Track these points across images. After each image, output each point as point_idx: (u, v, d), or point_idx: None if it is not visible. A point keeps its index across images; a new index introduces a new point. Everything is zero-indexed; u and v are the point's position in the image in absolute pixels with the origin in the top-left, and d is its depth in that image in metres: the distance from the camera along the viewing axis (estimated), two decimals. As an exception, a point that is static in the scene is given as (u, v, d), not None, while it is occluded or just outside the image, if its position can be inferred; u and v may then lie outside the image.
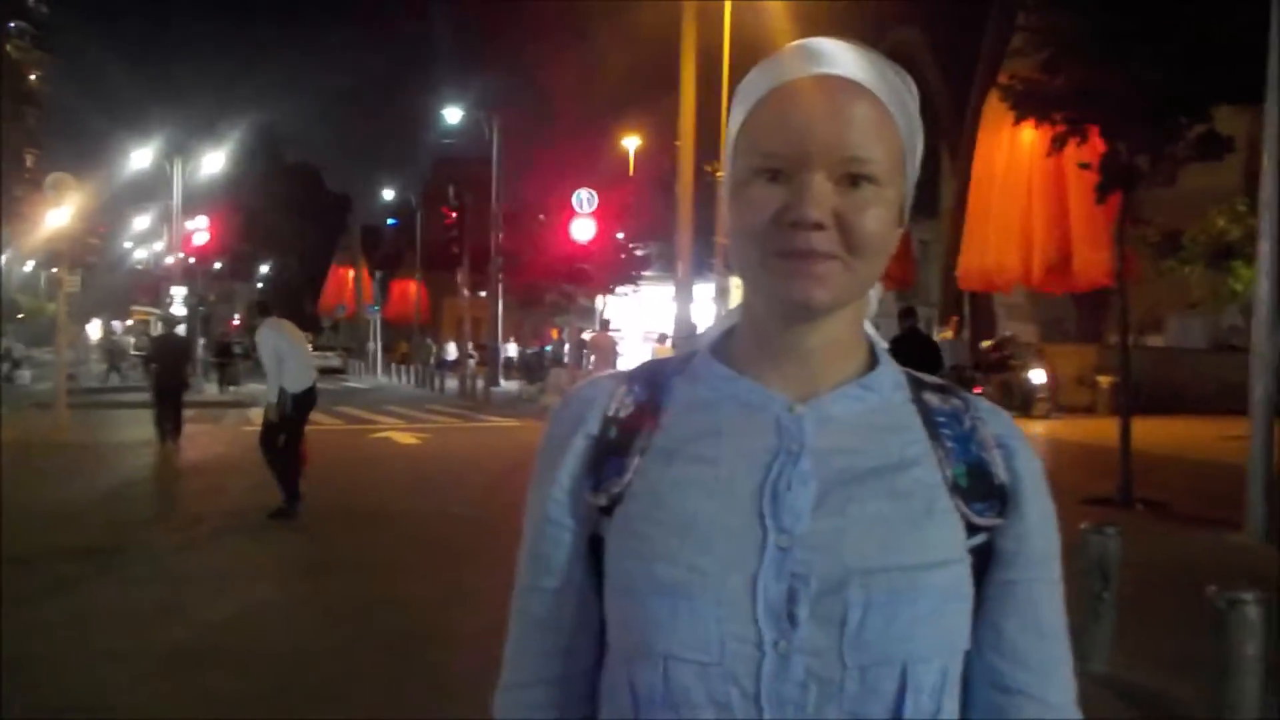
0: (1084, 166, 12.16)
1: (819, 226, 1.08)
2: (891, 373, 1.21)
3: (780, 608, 1.07)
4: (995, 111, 14.92)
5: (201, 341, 38.48)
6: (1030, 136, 14.56)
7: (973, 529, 1.12)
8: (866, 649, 1.06)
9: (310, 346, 12.02)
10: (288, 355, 11.28)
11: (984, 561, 1.13)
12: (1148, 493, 11.09)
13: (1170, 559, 8.57)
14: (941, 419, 1.18)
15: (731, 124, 1.20)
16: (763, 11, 20.08)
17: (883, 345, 1.25)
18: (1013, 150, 16.49)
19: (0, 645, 6.29)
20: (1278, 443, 9.90)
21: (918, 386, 1.21)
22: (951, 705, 1.10)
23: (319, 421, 23.45)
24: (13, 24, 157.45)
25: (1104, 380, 22.65)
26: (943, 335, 16.25)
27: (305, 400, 11.47)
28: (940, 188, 26.90)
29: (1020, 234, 16.22)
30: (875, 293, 1.23)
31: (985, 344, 23.81)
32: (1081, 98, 11.25)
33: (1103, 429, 15.88)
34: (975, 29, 18.45)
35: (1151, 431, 15.45)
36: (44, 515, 11.12)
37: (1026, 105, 12.11)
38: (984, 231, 16.65)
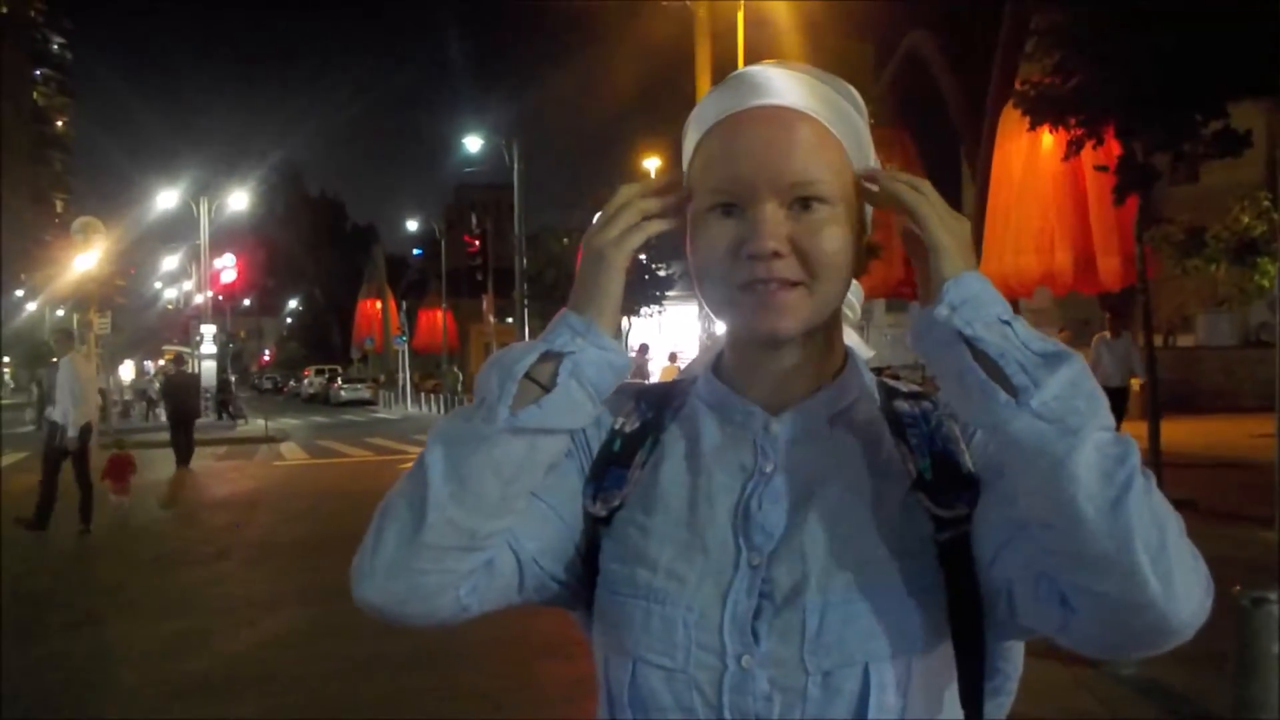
0: (1100, 169, 12.07)
1: (776, 255, 1.11)
2: (860, 381, 1.24)
3: (745, 623, 1.10)
4: (1012, 116, 14.83)
5: (234, 377, 38.95)
6: (1050, 140, 14.48)
7: (940, 524, 1.12)
8: (827, 652, 1.08)
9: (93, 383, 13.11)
10: (81, 393, 12.06)
11: (961, 552, 1.12)
12: (1179, 493, 10.95)
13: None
14: (909, 420, 1.20)
15: (683, 158, 1.24)
16: (777, 25, 20.07)
17: (862, 354, 1.29)
18: (1031, 154, 16.38)
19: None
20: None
21: (889, 394, 1.24)
22: (920, 702, 1.10)
23: (348, 454, 23.65)
24: (39, 71, 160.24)
25: (1134, 381, 22.43)
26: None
27: (85, 435, 12.14)
28: (961, 194, 26.80)
29: (1040, 237, 16.10)
30: (857, 298, 1.26)
31: None
32: (1093, 99, 11.17)
33: (1134, 430, 15.69)
34: (990, 34, 18.36)
35: (1182, 431, 15.32)
36: (70, 554, 11.21)
37: (1040, 110, 12.02)
38: (1003, 236, 16.53)
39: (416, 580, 1.11)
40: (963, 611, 1.12)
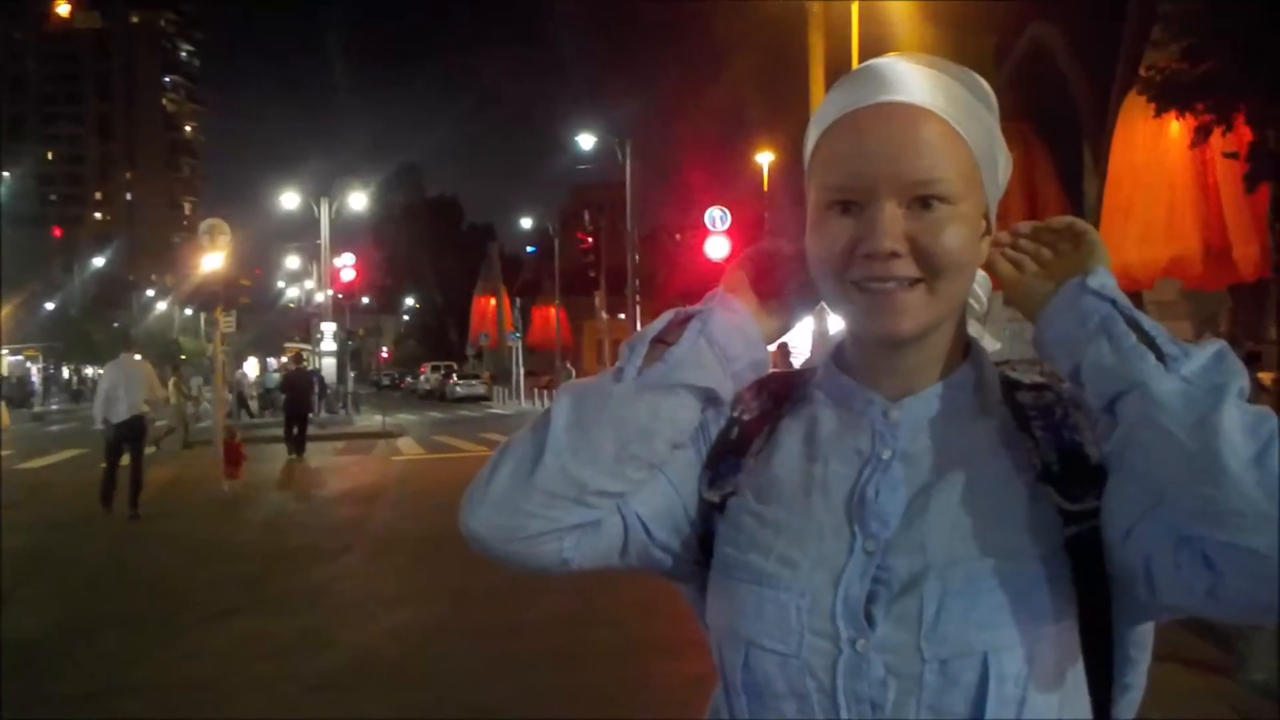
0: (1230, 156, 11.69)
1: (894, 255, 1.10)
2: (981, 373, 1.23)
3: (858, 608, 1.10)
4: (1137, 104, 14.45)
5: (353, 374, 39.63)
6: (1177, 127, 14.08)
7: (1069, 518, 1.11)
8: (945, 641, 1.07)
9: (153, 380, 14.51)
10: (119, 388, 13.44)
11: (1090, 546, 1.10)
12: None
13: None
14: (1033, 413, 1.18)
15: (805, 151, 1.23)
16: (892, 16, 19.78)
17: (984, 347, 1.27)
18: (1155, 141, 15.93)
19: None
20: None
21: (1011, 386, 1.23)
22: (1042, 695, 1.08)
23: (465, 449, 23.99)
24: (168, 78, 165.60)
25: (1265, 377, 21.64)
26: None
27: (124, 428, 13.46)
28: (1084, 185, 26.12)
29: (1167, 227, 15.63)
30: (985, 291, 1.26)
31: None
32: (1223, 86, 10.81)
33: None
34: (1115, 21, 17.87)
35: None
36: (199, 549, 11.53)
37: (1167, 97, 11.70)
38: (1124, 226, 16.07)
39: (522, 521, 1.15)
40: (1092, 606, 1.10)
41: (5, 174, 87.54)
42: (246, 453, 16.68)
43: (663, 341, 1.17)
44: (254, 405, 40.99)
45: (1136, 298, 24.02)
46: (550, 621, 7.59)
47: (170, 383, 26.37)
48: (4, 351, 59.72)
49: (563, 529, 1.16)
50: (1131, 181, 16.43)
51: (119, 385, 13.47)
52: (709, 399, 1.19)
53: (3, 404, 24.68)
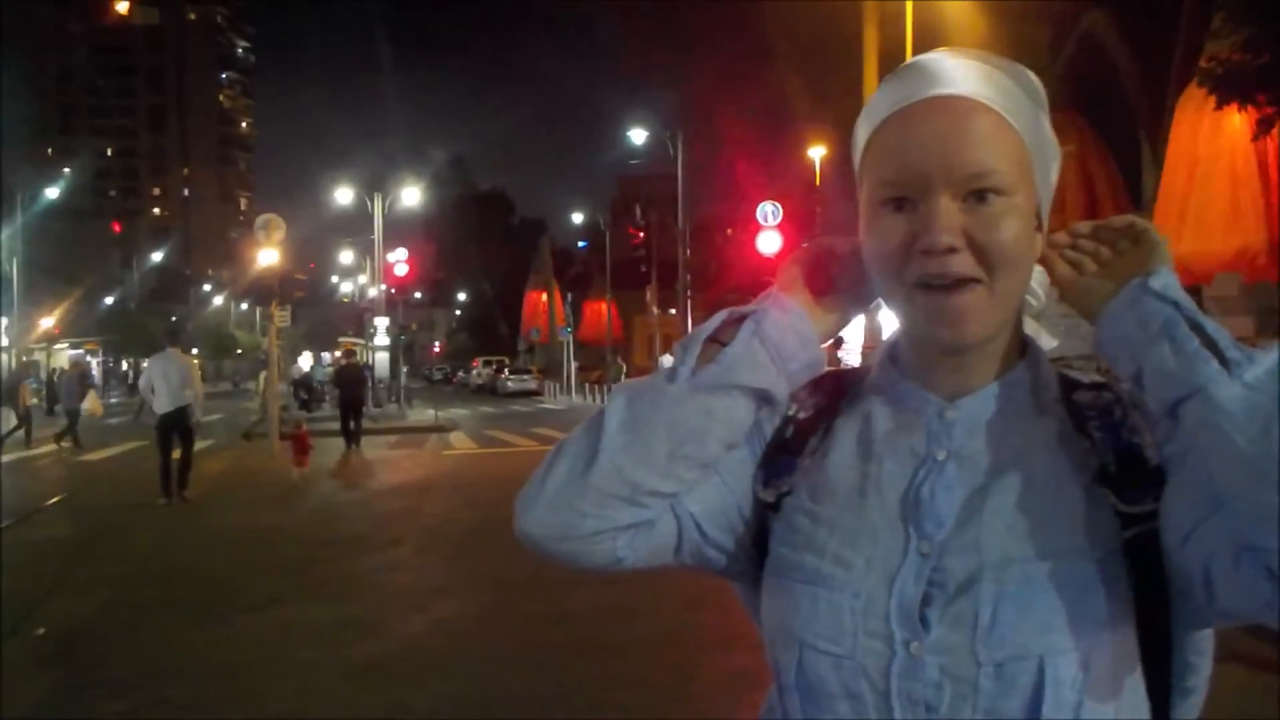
0: (1293, 149, 11.49)
1: (951, 250, 1.08)
2: (1038, 371, 1.21)
3: (913, 610, 1.09)
4: (1195, 96, 14.23)
5: (405, 369, 39.91)
6: (1239, 120, 13.85)
7: (1126, 520, 1.09)
8: (1000, 644, 1.05)
9: (196, 375, 14.94)
10: (160, 382, 14.09)
11: (1149, 548, 1.08)
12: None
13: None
14: (1091, 413, 1.16)
15: (854, 148, 1.22)
16: (945, 10, 19.60)
17: (1041, 345, 1.25)
18: (1217, 134, 15.68)
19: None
20: None
21: (1070, 385, 1.21)
22: (1099, 699, 1.06)
23: (516, 444, 24.09)
24: (224, 75, 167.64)
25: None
26: None
27: (168, 419, 14.10)
28: (1143, 178, 25.71)
29: (1228, 220, 15.37)
30: (1042, 287, 1.24)
31: None
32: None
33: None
34: (1171, 11, 17.60)
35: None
36: (251, 538, 11.68)
37: (1228, 88, 11.50)
38: (1181, 219, 15.83)
39: (576, 521, 1.15)
40: (1150, 609, 1.08)
41: (65, 170, 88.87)
42: (311, 443, 17.24)
43: (717, 341, 1.16)
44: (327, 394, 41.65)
45: (1195, 293, 23.68)
46: (593, 613, 7.59)
47: (261, 376, 27.81)
48: (65, 345, 60.68)
49: (617, 528, 1.16)
50: (1190, 174, 16.17)
51: (160, 379, 14.08)
52: (763, 399, 1.18)
53: (93, 392, 25.20)
